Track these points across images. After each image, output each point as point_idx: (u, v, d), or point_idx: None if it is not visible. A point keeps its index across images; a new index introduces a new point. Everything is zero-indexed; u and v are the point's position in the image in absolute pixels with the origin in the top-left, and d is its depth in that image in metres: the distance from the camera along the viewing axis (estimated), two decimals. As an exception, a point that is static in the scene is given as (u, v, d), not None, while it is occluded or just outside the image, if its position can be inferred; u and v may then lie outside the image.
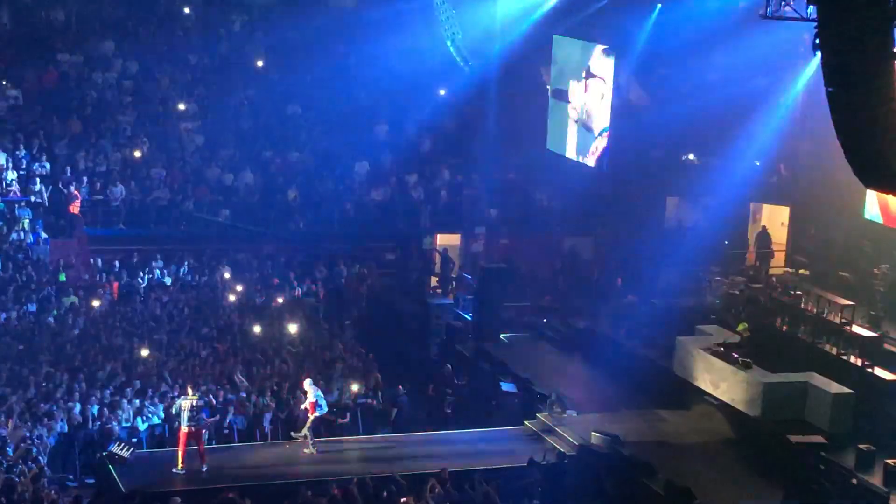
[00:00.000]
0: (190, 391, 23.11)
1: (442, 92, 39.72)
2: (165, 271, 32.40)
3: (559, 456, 23.06)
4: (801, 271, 29.15)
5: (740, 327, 26.38)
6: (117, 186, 34.14)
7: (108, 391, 25.08)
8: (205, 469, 22.52)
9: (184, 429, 22.43)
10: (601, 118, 32.72)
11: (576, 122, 34.03)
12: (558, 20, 34.41)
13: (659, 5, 31.52)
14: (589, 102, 33.28)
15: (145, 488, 21.55)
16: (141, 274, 32.07)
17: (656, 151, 33.24)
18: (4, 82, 35.92)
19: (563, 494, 22.26)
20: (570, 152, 34.23)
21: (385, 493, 21.00)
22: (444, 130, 39.28)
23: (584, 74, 33.42)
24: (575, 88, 33.92)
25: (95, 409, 24.30)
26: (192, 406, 22.48)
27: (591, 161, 33.24)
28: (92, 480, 22.93)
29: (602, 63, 32.61)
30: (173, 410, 23.40)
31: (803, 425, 23.75)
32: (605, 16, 32.77)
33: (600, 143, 32.77)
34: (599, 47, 32.78)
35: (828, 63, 15.60)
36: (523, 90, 36.53)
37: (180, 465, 22.45)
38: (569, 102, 34.32)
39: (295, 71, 39.33)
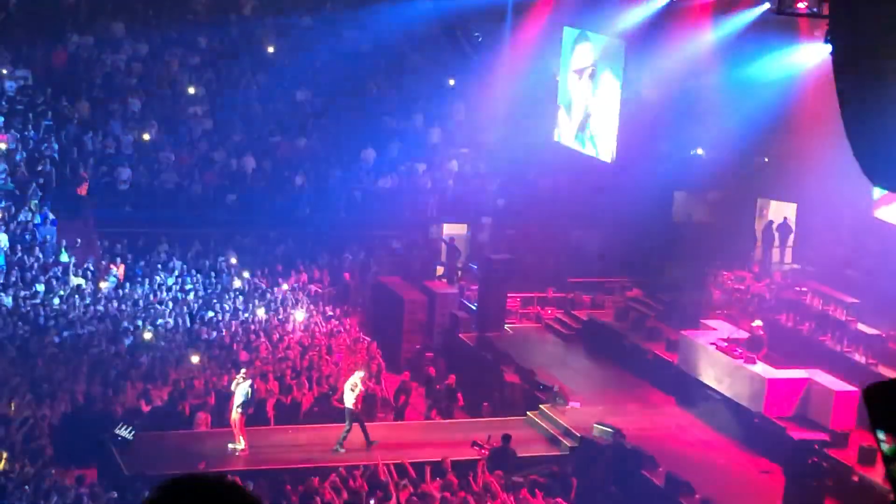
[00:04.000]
0: (242, 373, 23.25)
1: (451, 82, 39.70)
2: (172, 254, 32.40)
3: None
4: (808, 268, 29.12)
5: (755, 323, 26.24)
6: (125, 169, 34.13)
7: (113, 373, 25.16)
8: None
9: (239, 411, 22.75)
10: (610, 110, 32.66)
11: (584, 113, 33.97)
12: (569, 10, 34.33)
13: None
14: (598, 94, 33.22)
15: (147, 470, 21.62)
16: (147, 257, 32.09)
17: (664, 145, 33.19)
18: (11, 65, 35.88)
19: (567, 484, 22.30)
20: (578, 144, 34.19)
21: (390, 481, 21.05)
22: (453, 120, 39.25)
23: (593, 66, 33.36)
24: (584, 80, 33.86)
25: (99, 390, 24.37)
26: (247, 389, 22.79)
27: (598, 153, 33.20)
28: (94, 462, 22.98)
29: (612, 55, 32.54)
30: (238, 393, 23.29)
31: (806, 422, 23.75)
32: (616, 8, 32.69)
33: (609, 135, 32.71)
34: (610, 39, 32.71)
35: (839, 58, 15.58)
36: (532, 81, 36.45)
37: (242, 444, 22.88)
38: (578, 93, 34.25)
39: (305, 57, 39.30)
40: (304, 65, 39.13)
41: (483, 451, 22.72)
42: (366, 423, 23.82)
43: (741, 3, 28.59)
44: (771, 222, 31.73)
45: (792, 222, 31.50)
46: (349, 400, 23.44)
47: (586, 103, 33.91)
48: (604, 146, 33.07)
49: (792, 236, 31.36)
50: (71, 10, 38.17)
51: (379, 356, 28.29)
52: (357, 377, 23.65)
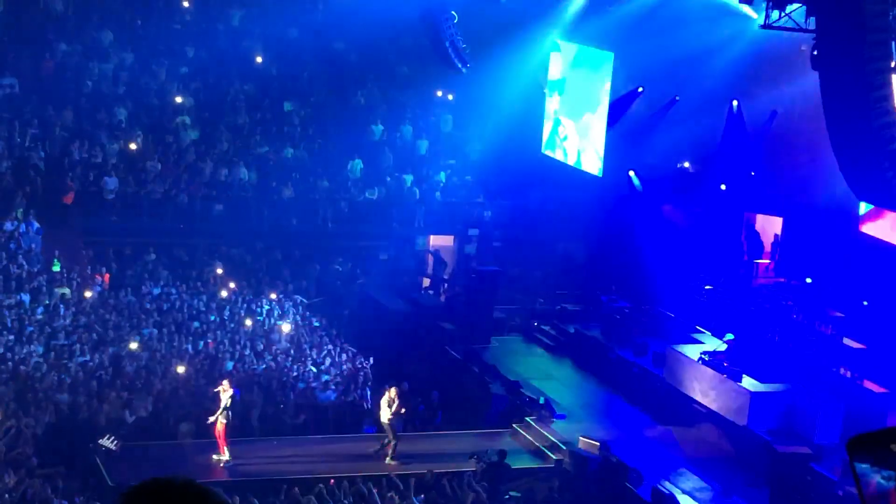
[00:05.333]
0: (226, 384, 23.25)
1: (439, 93, 39.78)
2: (158, 264, 32.35)
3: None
4: (792, 281, 29.16)
5: (727, 337, 26.41)
6: (112, 178, 34.06)
7: (98, 382, 25.08)
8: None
9: (223, 420, 22.70)
10: (598, 124, 32.70)
11: (571, 126, 34.00)
12: (558, 23, 34.37)
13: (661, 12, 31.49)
14: (585, 107, 33.25)
15: (131, 481, 21.50)
16: (133, 266, 32.04)
17: (652, 158, 33.25)
18: None
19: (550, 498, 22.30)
20: (566, 157, 34.22)
21: (373, 492, 21.03)
22: (441, 131, 39.31)
23: (581, 77, 33.40)
24: (572, 92, 33.89)
25: (84, 400, 24.30)
26: (229, 397, 22.84)
27: (586, 166, 33.23)
28: (78, 472, 22.90)
29: (600, 66, 32.58)
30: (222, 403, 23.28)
31: (790, 435, 23.79)
32: (606, 21, 32.74)
33: (596, 149, 32.74)
34: (598, 52, 32.74)
35: (826, 75, 15.64)
36: (521, 93, 36.49)
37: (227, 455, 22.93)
38: (565, 106, 34.28)
39: (292, 67, 39.33)
40: (292, 75, 39.15)
41: (480, 464, 22.70)
42: (352, 436, 23.85)
43: (728, 14, 28.64)
44: (757, 235, 31.76)
45: (778, 236, 31.57)
46: (385, 415, 23.66)
47: (574, 115, 33.90)
48: (591, 159, 33.08)
49: (778, 250, 31.42)
50: (58, 19, 38.06)
51: (365, 367, 28.26)
52: (392, 392, 23.73)
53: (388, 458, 23.55)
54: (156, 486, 4.02)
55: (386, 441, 23.73)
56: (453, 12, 32.72)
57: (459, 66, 34.47)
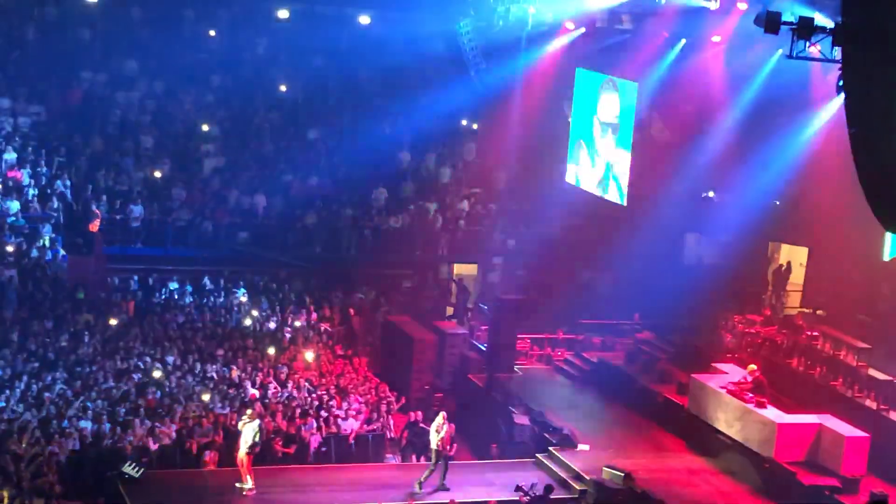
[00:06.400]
0: (250, 413, 23.26)
1: (464, 122, 39.90)
2: (182, 292, 32.45)
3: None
4: (819, 312, 29.02)
5: (749, 368, 26.25)
6: (137, 205, 34.21)
7: (122, 410, 25.14)
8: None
9: (246, 451, 22.78)
10: (621, 151, 32.67)
11: (595, 154, 33.98)
12: (581, 52, 34.42)
13: (683, 40, 31.50)
14: (609, 135, 33.25)
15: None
16: (157, 294, 32.14)
17: (676, 186, 33.19)
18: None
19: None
20: (590, 185, 34.19)
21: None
22: (465, 159, 39.37)
23: (605, 106, 33.38)
24: (595, 120, 33.89)
25: (107, 427, 24.34)
26: (255, 429, 22.83)
27: (610, 195, 33.19)
28: (102, 500, 22.89)
29: (624, 95, 32.59)
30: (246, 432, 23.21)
31: (816, 467, 23.63)
32: (628, 49, 32.79)
33: (621, 177, 32.70)
34: (621, 80, 32.75)
35: (851, 104, 15.56)
36: (545, 121, 36.53)
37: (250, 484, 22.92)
38: (589, 134, 34.28)
39: (317, 96, 39.51)
40: (316, 104, 39.32)
41: (523, 497, 22.58)
42: (374, 465, 23.75)
43: (755, 48, 28.60)
44: (781, 266, 31.64)
45: (804, 266, 31.45)
46: (434, 440, 23.61)
47: (598, 143, 33.88)
48: (615, 187, 33.04)
49: (803, 280, 31.31)
50: (85, 48, 38.38)
51: (388, 396, 28.22)
52: (440, 418, 23.74)
53: (416, 485, 23.43)
54: None
55: (431, 468, 23.59)
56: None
57: (479, 82, 34.70)
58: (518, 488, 22.78)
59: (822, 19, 22.70)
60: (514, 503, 22.73)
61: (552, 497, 22.88)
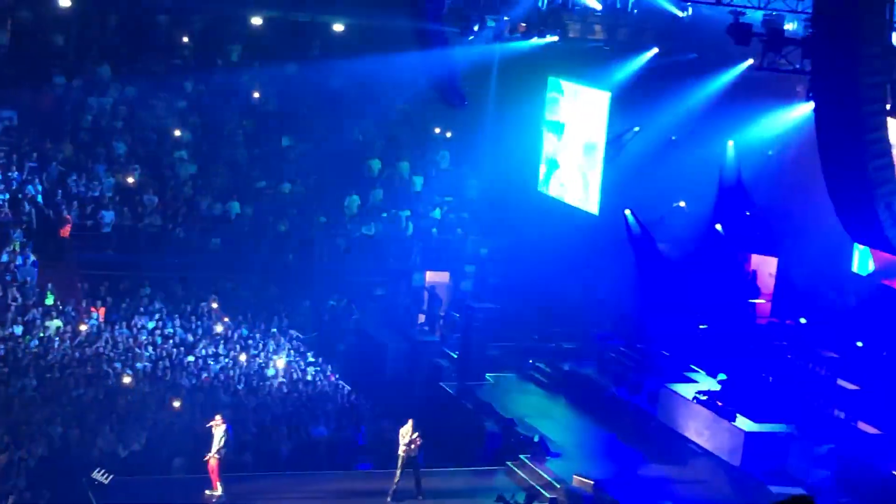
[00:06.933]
0: (218, 419, 23.20)
1: (437, 130, 39.96)
2: (154, 298, 32.33)
3: (528, 496, 23.00)
4: (787, 321, 29.17)
5: (718, 377, 26.43)
6: (109, 211, 34.09)
7: (91, 416, 25.04)
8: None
9: (216, 457, 22.69)
10: (594, 161, 32.79)
11: (568, 164, 34.08)
12: (554, 60, 34.53)
13: (656, 49, 31.69)
14: (582, 144, 33.35)
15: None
16: (128, 300, 32.02)
17: (648, 196, 33.33)
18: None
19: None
20: (562, 194, 34.28)
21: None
22: (437, 168, 39.42)
23: (578, 116, 33.50)
24: (568, 130, 33.99)
25: (77, 433, 24.24)
26: (222, 434, 22.77)
27: (582, 204, 33.30)
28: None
29: (597, 105, 32.70)
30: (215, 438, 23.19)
31: (785, 477, 23.75)
32: (601, 57, 32.93)
33: (593, 187, 32.83)
34: (596, 91, 32.88)
35: (821, 117, 15.72)
36: (518, 131, 36.63)
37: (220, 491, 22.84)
38: (562, 144, 34.38)
39: (290, 103, 39.50)
40: (289, 111, 39.31)
41: None
42: (345, 473, 23.72)
43: (725, 56, 28.82)
44: (752, 275, 31.79)
45: (773, 276, 31.59)
46: (401, 447, 23.55)
47: (570, 153, 33.99)
48: (587, 197, 33.15)
49: (773, 290, 31.45)
50: (58, 53, 38.25)
51: (359, 404, 28.22)
52: (409, 425, 23.66)
53: (419, 496, 23.45)
54: None
55: (397, 478, 23.53)
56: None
57: (458, 103, 34.65)
58: (499, 498, 22.81)
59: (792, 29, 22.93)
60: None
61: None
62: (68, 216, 33.24)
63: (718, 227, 31.96)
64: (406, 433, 23.55)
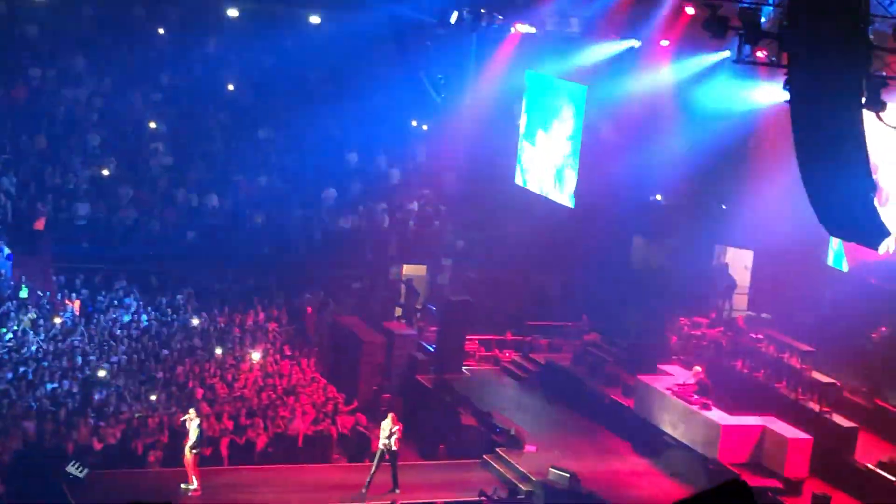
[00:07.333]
0: (192, 412, 23.12)
1: (414, 123, 39.90)
2: (129, 291, 32.19)
3: (510, 492, 23.02)
4: (763, 315, 29.23)
5: (694, 370, 26.44)
6: (84, 204, 33.92)
7: (66, 410, 24.92)
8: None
9: (193, 451, 22.60)
10: (570, 155, 32.82)
11: (544, 157, 34.11)
12: (531, 54, 34.49)
13: (633, 42, 31.64)
14: (558, 138, 33.39)
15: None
16: (103, 293, 31.87)
17: (624, 190, 33.35)
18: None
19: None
20: (538, 187, 34.31)
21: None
22: (415, 161, 39.38)
23: (554, 109, 33.52)
24: (545, 123, 34.00)
25: (52, 427, 24.12)
26: (196, 427, 22.77)
27: (558, 198, 33.33)
28: (46, 500, 22.71)
29: (573, 98, 32.74)
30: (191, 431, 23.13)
31: (760, 469, 23.83)
32: (578, 52, 32.88)
33: (569, 180, 32.86)
34: (573, 84, 32.90)
35: (797, 111, 15.73)
36: (495, 123, 36.60)
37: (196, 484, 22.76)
38: (538, 137, 34.41)
39: (266, 95, 39.37)
40: (266, 103, 39.18)
41: (486, 501, 22.61)
42: (321, 466, 23.67)
43: (701, 50, 28.79)
44: (727, 268, 31.86)
45: (748, 269, 31.65)
46: (381, 441, 23.58)
47: (547, 146, 34.02)
48: (563, 190, 33.20)
49: (748, 283, 31.51)
50: (32, 44, 38.00)
51: (335, 397, 28.18)
52: (390, 419, 23.65)
53: (394, 488, 23.44)
54: None
55: (373, 471, 23.44)
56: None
57: (435, 95, 34.57)
58: (482, 493, 22.83)
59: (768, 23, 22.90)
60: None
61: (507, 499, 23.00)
62: (42, 208, 33.06)
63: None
64: (387, 427, 23.54)
